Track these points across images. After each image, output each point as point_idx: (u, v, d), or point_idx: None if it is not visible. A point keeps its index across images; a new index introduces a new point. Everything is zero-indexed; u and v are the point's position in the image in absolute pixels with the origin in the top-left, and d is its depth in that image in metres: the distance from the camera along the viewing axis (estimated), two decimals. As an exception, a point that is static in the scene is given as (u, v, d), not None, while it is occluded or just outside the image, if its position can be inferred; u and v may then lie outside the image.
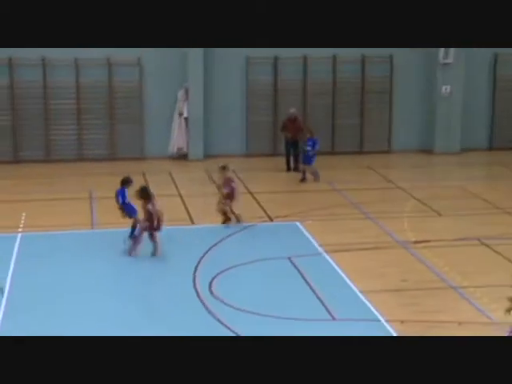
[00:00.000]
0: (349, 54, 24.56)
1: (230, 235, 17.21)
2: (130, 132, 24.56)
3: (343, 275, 15.00)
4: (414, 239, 16.98)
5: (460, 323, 12.82)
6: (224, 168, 17.98)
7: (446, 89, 25.04)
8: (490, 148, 25.68)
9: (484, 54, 25.15)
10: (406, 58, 24.94)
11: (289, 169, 23.22)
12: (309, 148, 21.76)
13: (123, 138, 24.55)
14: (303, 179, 21.83)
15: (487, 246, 16.64)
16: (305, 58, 24.62)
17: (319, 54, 24.35)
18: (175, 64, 24.27)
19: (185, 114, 24.30)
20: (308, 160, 21.85)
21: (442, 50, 24.51)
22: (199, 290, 14.17)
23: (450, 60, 24.67)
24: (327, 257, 15.98)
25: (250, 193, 20.63)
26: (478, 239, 16.97)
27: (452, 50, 24.49)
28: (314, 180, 21.78)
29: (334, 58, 24.68)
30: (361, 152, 25.27)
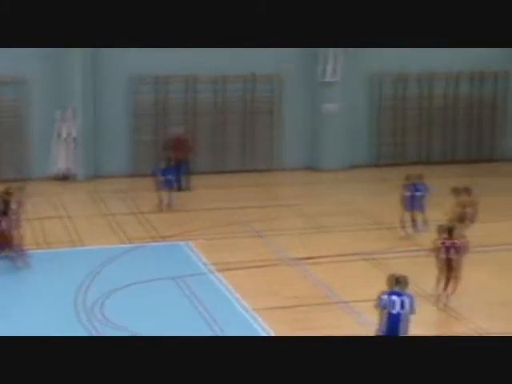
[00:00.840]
0: (237, 73, 24.77)
1: (115, 257, 16.99)
2: (13, 151, 23.89)
3: (233, 293, 15.07)
4: (303, 256, 17.21)
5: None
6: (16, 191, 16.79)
7: (330, 107, 25.54)
8: (375, 164, 26.32)
9: (365, 73, 25.81)
10: (291, 77, 25.32)
11: (179, 188, 23.12)
12: (171, 177, 21.10)
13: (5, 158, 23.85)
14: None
15: (372, 260, 17.03)
16: (194, 77, 24.60)
17: (207, 73, 24.45)
18: (60, 82, 23.81)
19: (73, 134, 23.88)
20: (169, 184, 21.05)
21: (326, 68, 25.00)
22: (80, 313, 13.92)
23: (334, 79, 25.20)
24: (217, 276, 16.01)
25: (139, 213, 20.44)
26: (362, 254, 17.35)
27: (336, 69, 25.02)
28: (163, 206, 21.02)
29: (223, 77, 24.81)
30: (250, 170, 25.44)
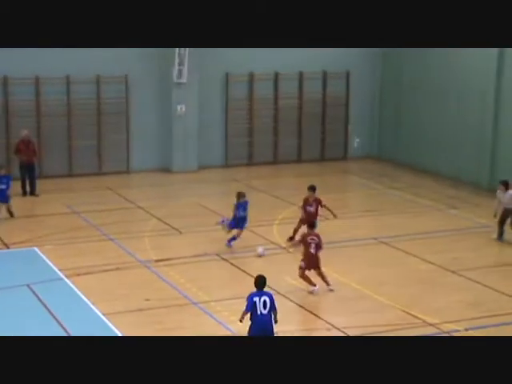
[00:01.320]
0: (82, 75, 24.25)
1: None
2: None
3: (84, 298, 14.70)
4: (155, 258, 17.03)
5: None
6: None
7: (180, 108, 25.48)
8: (225, 165, 26.46)
9: (216, 74, 25.92)
10: (141, 78, 25.07)
11: (25, 193, 22.38)
12: (3, 186, 20.05)
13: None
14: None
15: (226, 260, 17.08)
16: (37, 78, 23.88)
17: (52, 75, 23.81)
18: None
19: None
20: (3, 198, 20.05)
21: (176, 69, 24.91)
22: None
23: (183, 80, 25.13)
24: (67, 281, 15.58)
25: (-16, 220, 19.61)
26: (217, 254, 17.38)
27: (185, 70, 24.97)
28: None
29: (68, 78, 24.21)
30: (99, 173, 24.98)
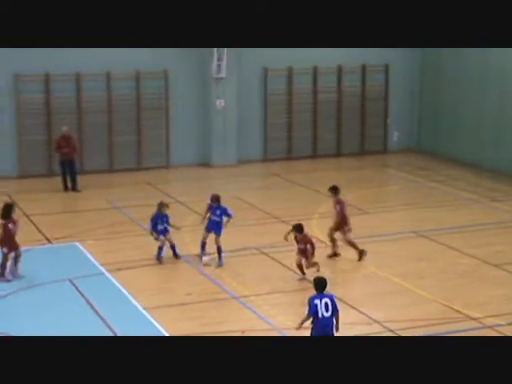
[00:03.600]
0: (122, 71, 24.47)
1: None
2: None
3: (126, 293, 14.86)
4: (196, 252, 17.13)
5: (243, 332, 13.09)
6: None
7: (220, 103, 25.58)
8: (264, 159, 26.51)
9: (255, 68, 25.98)
10: (180, 73, 25.21)
11: (66, 188, 22.66)
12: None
13: None
14: None
15: (265, 254, 17.14)
16: (77, 75, 24.15)
17: (92, 71, 24.07)
18: None
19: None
20: None
21: (215, 64, 25.02)
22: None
23: (222, 74, 25.23)
24: (109, 276, 15.76)
25: (26, 215, 19.89)
26: (257, 248, 17.44)
27: (224, 65, 25.06)
28: None
29: (108, 74, 24.44)
30: (139, 168, 25.19)
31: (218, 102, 25.55)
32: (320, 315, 11.18)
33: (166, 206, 17.22)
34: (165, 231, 16.86)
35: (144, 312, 13.98)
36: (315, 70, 26.59)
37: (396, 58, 27.15)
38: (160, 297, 14.80)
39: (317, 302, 11.25)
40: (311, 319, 11.32)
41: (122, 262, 16.48)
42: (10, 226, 15.50)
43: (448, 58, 26.36)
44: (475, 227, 19.06)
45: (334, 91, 27.01)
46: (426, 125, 27.70)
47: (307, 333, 11.41)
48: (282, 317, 13.70)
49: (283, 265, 16.47)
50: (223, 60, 25.04)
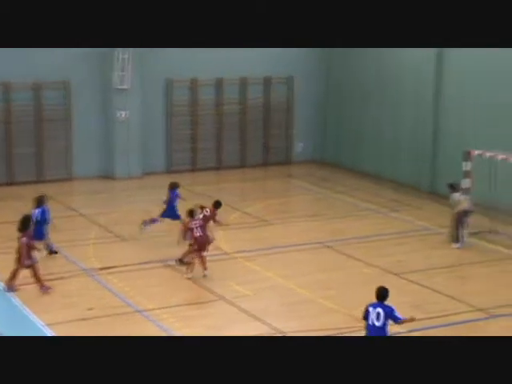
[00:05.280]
0: (21, 81, 23.89)
1: None
2: None
3: (26, 310, 14.43)
4: (99, 266, 16.82)
5: (147, 346, 12.87)
6: None
7: (121, 114, 25.26)
8: (169, 171, 26.31)
9: (159, 79, 25.78)
10: (82, 84, 24.78)
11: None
12: None
13: None
14: None
15: (170, 267, 16.96)
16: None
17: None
18: None
19: None
20: None
21: (118, 75, 24.69)
22: None
23: (126, 85, 24.93)
24: (7, 294, 15.28)
25: None
26: (163, 261, 17.24)
27: (128, 76, 24.77)
28: None
29: (6, 85, 23.81)
30: (40, 181, 24.59)
31: (120, 114, 25.23)
32: (370, 322, 11.49)
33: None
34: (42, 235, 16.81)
35: (44, 328, 13.60)
36: (219, 82, 26.59)
37: (300, 69, 27.43)
38: (61, 312, 14.43)
39: (370, 309, 11.55)
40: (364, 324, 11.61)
41: (23, 277, 15.98)
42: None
43: (350, 70, 26.81)
44: (378, 237, 19.37)
45: (238, 103, 27.07)
46: (330, 136, 28.06)
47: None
48: (187, 329, 13.57)
49: (187, 278, 16.33)
50: (126, 71, 24.76)
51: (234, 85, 26.80)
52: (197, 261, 16.29)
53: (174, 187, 18.82)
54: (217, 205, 17.80)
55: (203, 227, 16.48)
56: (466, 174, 19.36)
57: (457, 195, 18.78)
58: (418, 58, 23.70)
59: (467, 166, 19.35)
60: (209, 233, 16.90)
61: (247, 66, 26.47)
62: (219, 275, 16.26)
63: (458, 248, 18.45)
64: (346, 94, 27.24)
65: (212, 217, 17.48)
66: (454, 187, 18.96)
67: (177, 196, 18.82)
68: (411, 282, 16.41)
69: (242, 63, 26.27)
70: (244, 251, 17.87)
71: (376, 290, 11.72)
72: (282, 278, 16.42)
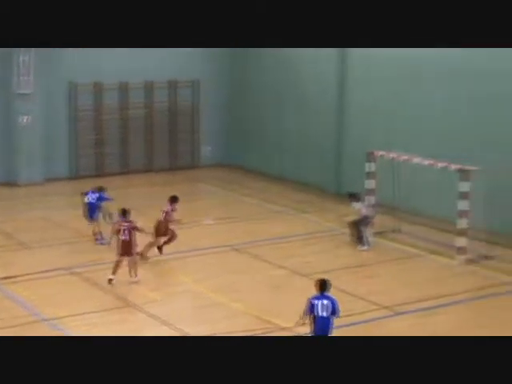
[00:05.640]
0: None
1: None
2: None
3: None
4: (1, 275, 16.38)
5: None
6: None
7: (23, 119, 24.68)
8: (73, 177, 25.83)
9: (62, 83, 25.32)
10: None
11: None
12: None
13: None
14: None
15: (77, 274, 16.67)
16: None
17: None
18: None
19: None
20: None
21: (18, 79, 24.12)
22: None
23: (28, 90, 24.38)
24: None
25: None
26: (67, 269, 16.92)
27: (30, 80, 24.22)
28: None
29: None
30: None
31: (22, 119, 24.66)
32: (317, 315, 11.52)
33: None
34: None
35: None
36: (124, 86, 26.32)
37: (205, 73, 27.41)
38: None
39: (314, 302, 11.56)
40: (309, 318, 11.62)
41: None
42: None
43: (255, 72, 26.96)
44: (286, 239, 19.52)
45: (144, 107, 26.86)
46: (235, 139, 28.14)
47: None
48: (95, 338, 13.35)
49: (94, 284, 16.10)
50: (27, 75, 24.22)
51: (139, 89, 26.56)
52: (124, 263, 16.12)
53: (100, 190, 19.10)
54: (173, 200, 18.00)
55: (130, 231, 16.14)
56: (370, 175, 19.75)
57: (357, 204, 19.16)
58: (320, 59, 23.98)
59: (371, 167, 19.72)
60: (172, 227, 17.61)
61: (152, 70, 26.29)
62: (128, 280, 16.07)
63: (364, 250, 18.77)
64: (250, 97, 27.37)
65: (173, 211, 17.78)
66: (354, 196, 19.30)
67: (103, 199, 18.73)
68: (319, 282, 16.57)
69: (146, 67, 26.09)
70: (153, 256, 17.72)
71: (317, 283, 11.83)
72: (191, 281, 16.36)
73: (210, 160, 28.15)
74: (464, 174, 17.67)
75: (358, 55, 23.00)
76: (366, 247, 18.81)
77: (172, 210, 17.91)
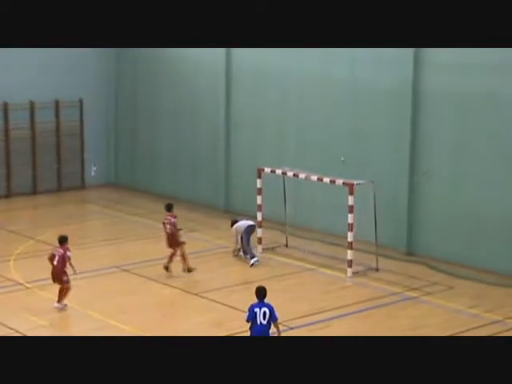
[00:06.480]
0: None
1: None
2: None
3: None
4: None
5: None
6: None
7: None
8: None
9: None
10: None
11: None
12: None
13: None
14: None
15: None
16: None
17: None
18: None
19: None
20: None
21: None
22: None
23: None
24: None
25: None
26: None
27: None
28: None
29: None
30: None
31: None
32: (258, 322, 12.11)
33: None
34: None
35: None
36: (5, 106, 25.56)
37: (89, 92, 26.94)
38: None
39: (256, 310, 12.15)
40: (249, 325, 12.21)
41: None
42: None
43: (142, 90, 26.66)
44: (176, 258, 19.30)
45: (27, 127, 26.14)
46: (123, 159, 27.75)
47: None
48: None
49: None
50: None
51: (22, 109, 25.85)
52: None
53: None
54: (169, 208, 18.56)
55: (62, 260, 15.79)
56: (259, 191, 19.82)
57: (235, 226, 19.35)
58: (210, 73, 23.97)
59: (260, 183, 19.80)
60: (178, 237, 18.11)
61: (36, 90, 25.65)
62: (12, 306, 15.52)
63: (255, 262, 18.78)
64: (137, 115, 27.06)
65: (176, 218, 18.37)
66: (233, 222, 19.63)
67: None
68: (211, 300, 16.47)
69: (30, 87, 25.44)
70: (38, 280, 17.19)
71: (257, 290, 12.36)
72: (78, 305, 15.93)
73: (97, 180, 27.64)
74: (350, 188, 17.93)
75: (245, 69, 23.07)
76: (254, 259, 18.85)
77: (175, 218, 18.41)
